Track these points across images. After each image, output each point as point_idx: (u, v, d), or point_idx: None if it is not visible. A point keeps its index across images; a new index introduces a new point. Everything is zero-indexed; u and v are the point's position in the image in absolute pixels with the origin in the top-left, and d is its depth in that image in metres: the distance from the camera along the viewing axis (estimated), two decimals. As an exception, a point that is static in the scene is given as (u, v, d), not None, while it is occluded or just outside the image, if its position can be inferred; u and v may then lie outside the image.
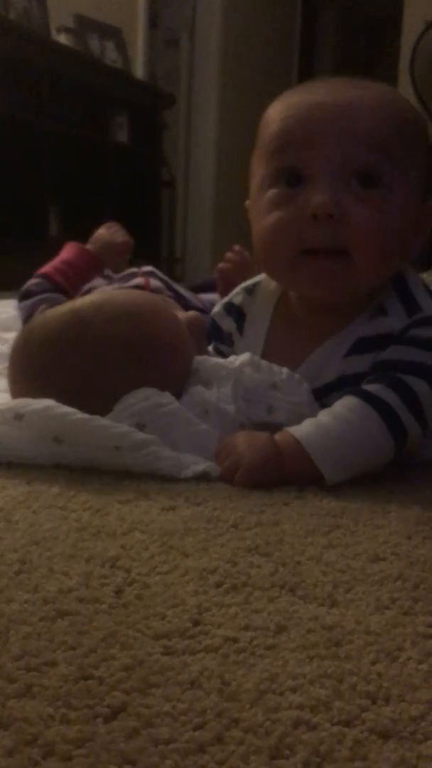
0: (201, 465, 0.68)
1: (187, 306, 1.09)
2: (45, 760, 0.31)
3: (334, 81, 0.77)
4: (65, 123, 3.12)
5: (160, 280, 1.27)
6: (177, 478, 0.67)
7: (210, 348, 0.89)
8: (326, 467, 0.67)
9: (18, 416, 0.69)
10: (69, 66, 3.14)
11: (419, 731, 0.34)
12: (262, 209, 0.76)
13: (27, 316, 1.22)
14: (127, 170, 3.53)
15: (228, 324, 0.88)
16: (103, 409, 0.70)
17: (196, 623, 0.42)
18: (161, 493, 0.63)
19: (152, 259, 3.42)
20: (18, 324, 1.22)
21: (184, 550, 0.52)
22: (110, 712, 0.34)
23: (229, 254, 1.22)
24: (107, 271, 1.38)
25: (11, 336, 0.99)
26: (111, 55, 3.56)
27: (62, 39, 3.23)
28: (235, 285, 0.93)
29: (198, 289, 1.34)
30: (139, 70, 3.90)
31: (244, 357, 0.78)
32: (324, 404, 0.75)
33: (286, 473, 0.68)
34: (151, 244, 3.75)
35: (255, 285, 0.88)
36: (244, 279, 0.92)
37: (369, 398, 0.70)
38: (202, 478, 0.67)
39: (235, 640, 0.41)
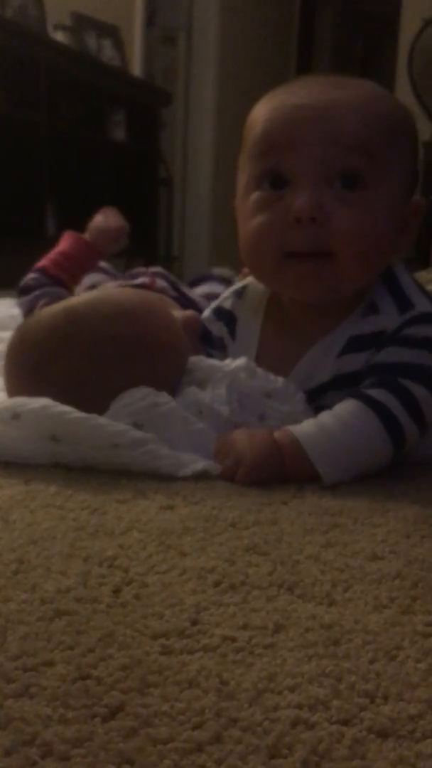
0: (200, 463, 0.68)
1: (189, 307, 1.09)
2: (43, 760, 0.31)
3: (315, 81, 0.77)
4: (62, 121, 3.12)
5: (168, 281, 1.27)
6: (175, 477, 0.67)
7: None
8: (323, 467, 0.68)
9: (15, 416, 0.69)
10: (66, 64, 3.14)
11: (418, 730, 0.34)
12: (247, 212, 0.76)
13: (27, 311, 1.22)
14: (125, 168, 3.53)
15: (218, 328, 0.87)
16: (98, 408, 0.70)
17: (194, 622, 0.42)
18: (159, 492, 0.63)
19: (149, 257, 3.42)
20: (16, 322, 1.22)
21: (182, 549, 0.52)
22: (108, 712, 0.34)
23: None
24: (110, 268, 1.38)
25: (8, 335, 0.99)
26: (108, 53, 3.56)
27: (59, 37, 3.22)
28: None
29: (193, 283, 1.33)
30: (136, 68, 3.90)
31: (240, 361, 0.77)
32: (320, 404, 0.76)
33: (285, 470, 0.68)
34: (148, 242, 3.75)
35: (244, 288, 0.88)
36: None
37: (369, 402, 0.71)
38: (201, 476, 0.67)
39: (234, 640, 0.41)
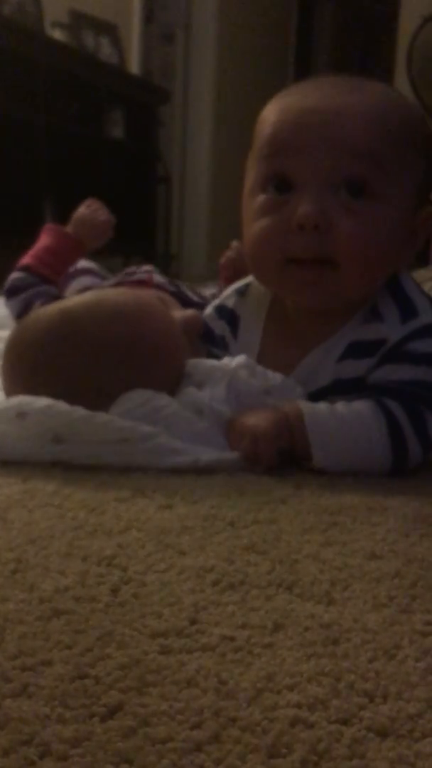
0: (214, 454, 0.69)
1: (187, 303, 1.08)
2: (41, 760, 0.31)
3: (329, 82, 0.76)
4: (60, 119, 3.11)
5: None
6: (173, 476, 0.67)
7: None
8: (317, 450, 0.69)
9: (20, 414, 0.69)
10: (64, 62, 3.13)
11: (417, 729, 0.34)
12: (252, 214, 0.76)
13: (20, 313, 1.19)
14: (123, 166, 3.52)
15: (221, 327, 0.87)
16: (96, 410, 0.70)
17: (192, 622, 0.42)
18: (158, 491, 0.63)
19: (147, 255, 3.42)
20: (13, 322, 1.20)
21: (181, 548, 0.52)
22: (107, 712, 0.34)
23: (228, 252, 1.24)
24: (98, 269, 1.36)
25: (5, 334, 0.98)
26: (106, 51, 3.55)
27: (57, 34, 3.22)
28: (242, 272, 0.93)
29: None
30: (134, 66, 3.89)
31: (240, 359, 0.77)
32: None
33: (291, 441, 0.70)
34: (146, 240, 3.75)
35: (247, 286, 0.88)
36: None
37: (383, 408, 0.72)
38: (200, 474, 0.67)
39: (232, 639, 0.41)
